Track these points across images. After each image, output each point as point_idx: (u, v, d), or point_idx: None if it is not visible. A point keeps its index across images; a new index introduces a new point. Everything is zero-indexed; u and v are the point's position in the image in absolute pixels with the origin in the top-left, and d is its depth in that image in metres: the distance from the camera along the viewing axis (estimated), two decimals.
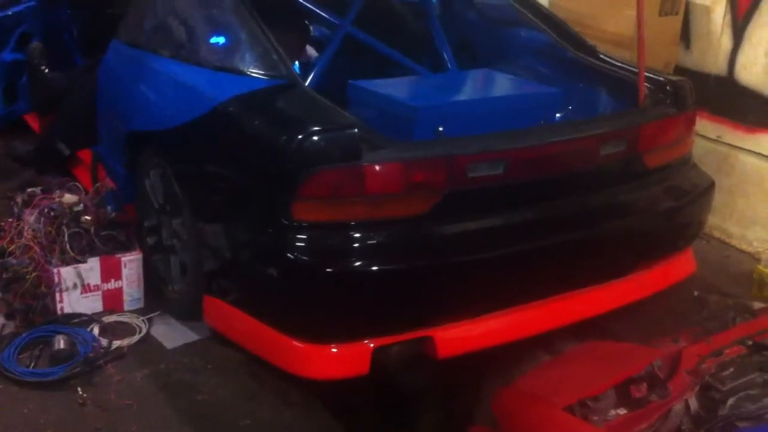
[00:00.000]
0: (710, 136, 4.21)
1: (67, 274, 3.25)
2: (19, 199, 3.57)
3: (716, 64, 4.21)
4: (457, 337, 2.70)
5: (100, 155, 3.79)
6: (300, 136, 2.53)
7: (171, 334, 3.25)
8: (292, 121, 2.62)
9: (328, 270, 2.55)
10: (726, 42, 4.15)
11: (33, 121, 4.56)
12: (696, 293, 3.53)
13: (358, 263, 2.56)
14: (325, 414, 2.84)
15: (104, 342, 3.15)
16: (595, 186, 2.89)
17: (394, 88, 3.11)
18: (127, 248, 3.38)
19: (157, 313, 3.33)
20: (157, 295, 3.39)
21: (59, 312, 3.27)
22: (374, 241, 2.58)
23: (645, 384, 2.43)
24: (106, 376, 3.01)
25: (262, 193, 2.65)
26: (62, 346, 3.04)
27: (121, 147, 3.48)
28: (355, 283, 2.56)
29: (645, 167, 2.99)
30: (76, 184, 3.64)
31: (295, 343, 2.62)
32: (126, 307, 3.38)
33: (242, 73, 2.89)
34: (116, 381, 2.98)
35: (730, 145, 4.17)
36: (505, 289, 2.75)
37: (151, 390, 2.95)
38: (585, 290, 2.90)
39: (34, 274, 3.23)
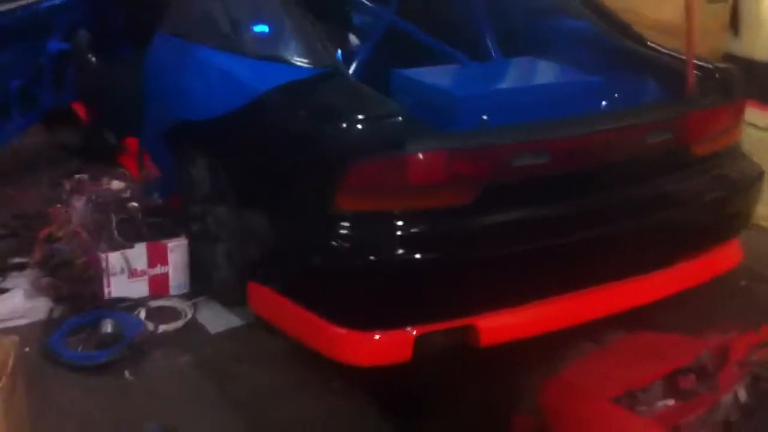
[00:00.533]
0: (760, 125, 4.13)
1: (114, 259, 3.30)
2: (67, 186, 3.63)
3: (765, 52, 4.13)
4: (499, 325, 2.69)
5: (147, 144, 3.83)
6: (343, 126, 2.54)
7: (215, 319, 3.29)
8: (335, 110, 2.63)
9: (371, 258, 2.56)
10: None
11: (80, 110, 4.63)
12: (743, 283, 3.48)
13: (400, 252, 2.56)
14: (366, 401, 2.86)
15: (150, 326, 3.20)
16: (641, 176, 2.86)
17: (437, 76, 3.10)
18: (173, 234, 3.42)
19: (202, 298, 3.38)
20: (202, 280, 3.42)
21: (106, 297, 3.32)
22: (417, 231, 2.58)
23: (693, 375, 2.40)
24: (152, 360, 3.05)
25: (305, 182, 2.67)
26: (109, 330, 3.10)
27: (167, 136, 3.52)
28: (398, 272, 2.57)
29: (692, 156, 2.95)
30: (123, 171, 3.70)
31: (339, 329, 2.63)
32: (172, 292, 3.42)
33: (286, 62, 2.90)
34: (162, 366, 3.03)
35: None
36: (548, 279, 2.74)
37: (195, 376, 2.98)
38: (630, 280, 2.88)
39: (82, 260, 3.30)
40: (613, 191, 2.81)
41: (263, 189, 2.90)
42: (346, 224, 2.57)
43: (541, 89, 3.10)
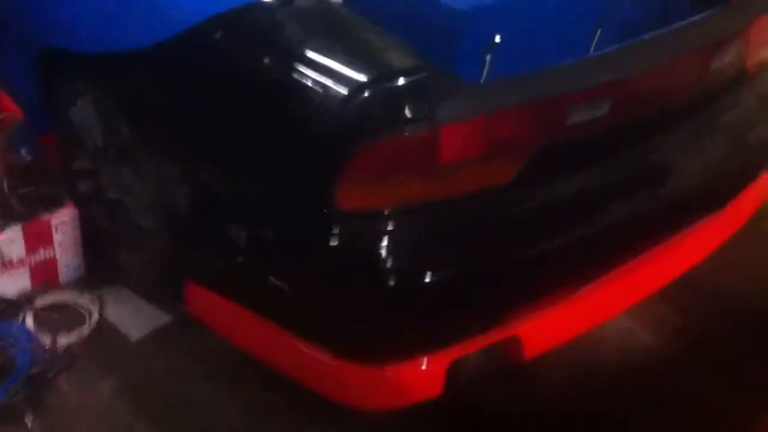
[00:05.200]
0: None
1: None
2: None
3: None
4: (545, 329, 2.06)
5: None
6: (342, 94, 1.71)
7: (131, 316, 2.47)
8: (325, 66, 1.77)
9: (390, 272, 1.81)
10: None
11: None
12: None
13: (426, 258, 1.84)
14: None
15: (46, 341, 2.35)
16: (705, 110, 2.23)
17: None
18: (54, 204, 2.51)
19: (107, 287, 2.53)
20: (102, 259, 2.57)
21: None
22: (446, 228, 1.85)
23: None
24: (60, 393, 2.24)
25: (281, 167, 1.85)
26: None
27: (30, 63, 2.53)
28: (426, 286, 1.84)
29: (752, 73, 2.33)
30: None
31: (338, 363, 1.92)
32: (62, 279, 2.56)
33: None
34: (75, 400, 2.23)
35: None
36: (601, 260, 2.11)
37: (125, 412, 2.21)
38: (684, 234, 2.29)
39: None
40: (677, 138, 2.16)
41: (201, 158, 2.05)
42: (349, 229, 1.79)
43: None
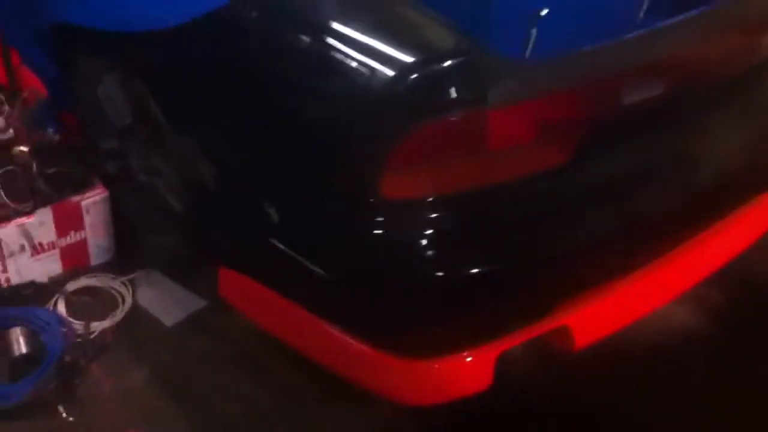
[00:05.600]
0: None
1: (8, 235, 2.32)
2: None
3: None
4: (596, 318, 1.96)
5: (13, 40, 2.71)
6: (387, 76, 1.61)
7: (164, 301, 2.40)
8: (367, 46, 1.65)
9: (435, 263, 1.72)
10: None
11: None
12: None
13: (473, 248, 1.74)
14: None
15: (78, 325, 2.29)
16: (759, 86, 2.11)
17: None
18: (84, 185, 2.44)
19: (139, 271, 2.46)
20: (133, 241, 2.50)
21: (3, 284, 2.37)
22: (494, 216, 1.76)
23: None
24: (93, 383, 2.18)
25: (320, 150, 1.75)
26: (23, 349, 2.17)
27: (46, 37, 2.44)
28: (473, 276, 1.75)
29: None
30: None
31: (379, 355, 1.83)
32: (93, 262, 2.50)
33: None
34: (109, 390, 2.17)
35: None
36: (652, 245, 2.01)
37: (158, 399, 2.15)
38: (734, 217, 2.17)
39: None
40: (730, 115, 2.04)
41: (242, 145, 1.95)
42: (395, 218, 1.70)
43: None
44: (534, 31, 1.78)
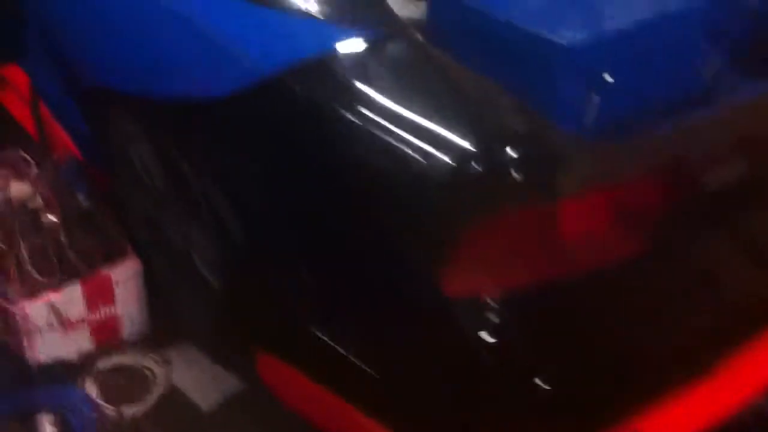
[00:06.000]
0: None
1: (36, 311, 2.19)
2: None
3: None
4: (674, 422, 1.77)
5: (41, 88, 2.59)
6: (446, 164, 1.44)
7: (200, 381, 2.24)
8: (424, 129, 1.50)
9: (500, 366, 1.56)
10: None
11: None
12: None
13: (542, 349, 1.58)
14: None
15: (109, 409, 2.15)
16: None
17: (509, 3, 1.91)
18: (116, 254, 2.29)
19: (174, 349, 2.31)
20: (167, 314, 2.35)
21: (32, 363, 2.23)
22: (565, 313, 1.59)
23: None
24: None
25: (370, 239, 1.59)
26: None
27: (77, 96, 2.32)
28: (542, 380, 1.58)
29: None
30: (23, 155, 2.44)
31: None
32: (125, 335, 2.35)
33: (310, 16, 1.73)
34: None
35: None
36: (734, 337, 1.82)
37: None
38: None
39: None
40: None
41: (287, 227, 1.80)
42: (453, 316, 1.54)
43: (672, 22, 1.94)
44: (609, 107, 1.62)
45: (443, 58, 1.63)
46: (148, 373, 2.26)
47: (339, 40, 1.69)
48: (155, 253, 2.31)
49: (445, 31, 1.73)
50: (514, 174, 1.45)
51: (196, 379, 2.24)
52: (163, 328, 2.34)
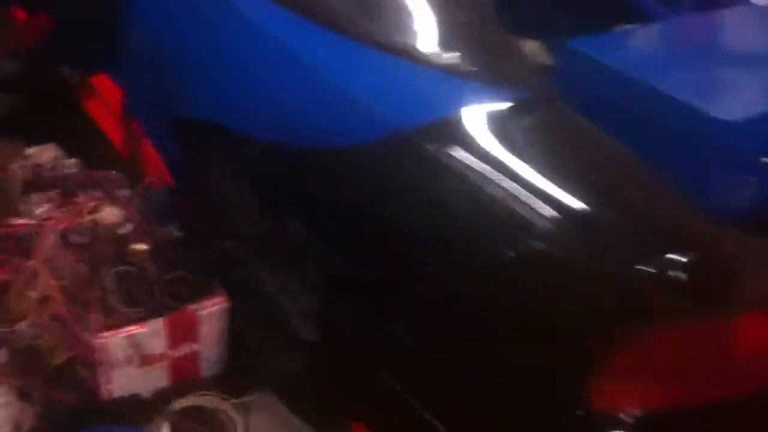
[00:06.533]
0: None
1: (116, 344, 2.07)
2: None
3: None
4: None
5: (137, 109, 2.48)
6: (601, 269, 1.30)
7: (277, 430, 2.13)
8: (575, 218, 1.35)
9: None
10: None
11: (23, 18, 3.11)
12: None
13: None
14: None
15: None
16: None
17: (664, 76, 1.72)
18: (204, 291, 2.16)
19: (253, 395, 2.18)
20: (245, 355, 2.23)
21: (106, 397, 2.12)
22: None
23: None
24: None
25: (512, 341, 1.44)
26: None
27: (174, 120, 2.21)
28: None
29: None
30: (115, 175, 2.32)
31: None
32: (203, 374, 2.23)
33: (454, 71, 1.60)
34: None
35: None
36: None
37: None
38: None
39: (60, 352, 2.05)
40: None
41: (395, 291, 1.66)
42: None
43: None
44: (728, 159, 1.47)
45: (603, 136, 1.49)
46: (224, 418, 2.13)
47: (476, 101, 1.56)
48: (244, 294, 2.18)
49: (576, 85, 1.62)
50: (687, 281, 1.30)
51: (270, 425, 2.11)
52: (243, 369, 2.21)
